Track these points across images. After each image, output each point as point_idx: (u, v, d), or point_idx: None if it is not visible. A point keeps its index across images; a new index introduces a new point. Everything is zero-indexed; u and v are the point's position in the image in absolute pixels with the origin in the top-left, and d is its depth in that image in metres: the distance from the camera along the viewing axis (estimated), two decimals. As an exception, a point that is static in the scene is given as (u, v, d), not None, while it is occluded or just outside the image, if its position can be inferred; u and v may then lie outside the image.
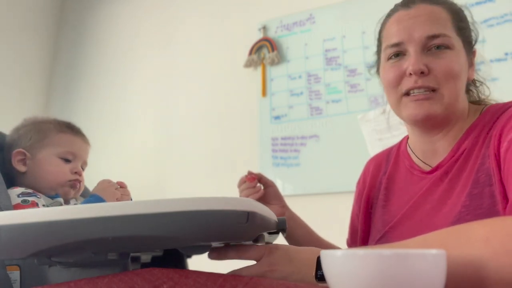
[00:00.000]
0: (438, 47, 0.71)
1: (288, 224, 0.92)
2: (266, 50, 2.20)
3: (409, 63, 0.72)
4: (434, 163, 0.77)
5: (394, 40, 0.74)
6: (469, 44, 0.77)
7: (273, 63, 2.16)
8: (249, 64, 2.21)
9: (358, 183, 0.95)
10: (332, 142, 1.94)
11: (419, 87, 0.72)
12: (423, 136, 0.79)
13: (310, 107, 2.05)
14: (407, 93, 0.74)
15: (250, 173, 0.93)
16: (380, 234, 0.79)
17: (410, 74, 0.72)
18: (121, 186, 0.88)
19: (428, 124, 0.75)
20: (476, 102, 0.81)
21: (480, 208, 0.65)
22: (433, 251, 0.37)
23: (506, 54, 1.69)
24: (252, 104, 2.19)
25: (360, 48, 2.00)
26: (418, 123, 0.75)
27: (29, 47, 2.78)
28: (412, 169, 0.81)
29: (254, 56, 2.21)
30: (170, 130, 2.38)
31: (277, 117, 2.12)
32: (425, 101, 0.72)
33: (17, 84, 2.66)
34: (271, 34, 2.22)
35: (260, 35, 2.24)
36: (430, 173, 0.77)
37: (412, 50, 0.72)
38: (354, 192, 0.96)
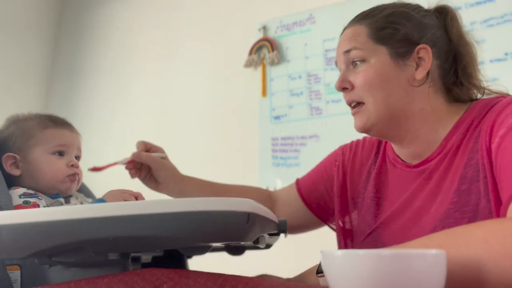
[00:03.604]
0: (355, 63, 0.77)
1: (182, 182, 0.95)
2: (266, 50, 2.20)
3: None
4: (418, 162, 0.77)
5: (335, 60, 0.84)
6: (406, 46, 0.75)
7: (273, 63, 2.16)
8: (249, 64, 2.21)
9: (344, 149, 0.95)
10: (332, 142, 1.92)
11: (348, 102, 0.79)
12: (395, 145, 0.82)
13: (310, 107, 2.05)
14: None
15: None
16: (370, 229, 0.79)
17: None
18: (137, 197, 0.82)
19: (375, 135, 0.80)
20: (464, 100, 0.78)
21: (467, 205, 0.65)
22: (433, 251, 0.37)
23: (506, 54, 1.69)
24: (252, 104, 2.19)
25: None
26: (363, 133, 0.80)
27: (29, 47, 2.78)
28: (395, 162, 0.81)
29: (254, 56, 2.21)
30: (170, 130, 2.39)
31: (277, 117, 2.12)
32: (355, 115, 0.78)
33: (17, 84, 2.66)
34: (271, 34, 2.22)
35: (260, 35, 2.24)
36: (415, 167, 0.77)
37: (341, 68, 0.80)
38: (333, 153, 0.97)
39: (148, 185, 0.95)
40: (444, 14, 0.80)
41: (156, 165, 0.92)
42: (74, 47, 2.90)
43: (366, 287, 0.36)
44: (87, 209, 0.46)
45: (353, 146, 0.93)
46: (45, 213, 0.47)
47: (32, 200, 0.75)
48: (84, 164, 0.91)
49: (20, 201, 0.74)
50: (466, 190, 0.66)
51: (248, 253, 0.85)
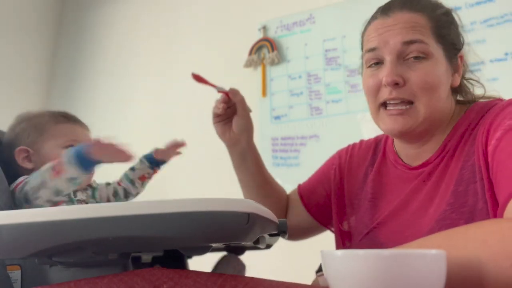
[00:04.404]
0: (416, 57, 0.69)
1: (251, 145, 0.93)
2: (266, 50, 2.19)
3: (384, 73, 0.70)
4: (418, 164, 0.77)
5: (371, 45, 0.73)
6: (453, 50, 0.73)
7: (273, 63, 2.16)
8: (249, 64, 2.21)
9: (341, 153, 0.95)
10: (332, 142, 1.94)
11: (393, 99, 0.70)
12: (405, 145, 0.79)
13: (310, 107, 2.05)
14: (384, 104, 0.73)
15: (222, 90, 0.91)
16: (367, 229, 0.79)
17: (385, 85, 0.70)
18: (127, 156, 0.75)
19: (406, 138, 0.75)
20: (464, 101, 0.79)
21: (464, 206, 0.65)
22: (433, 251, 0.37)
23: (506, 54, 1.68)
24: (252, 104, 2.17)
25: (360, 48, 2.00)
26: (395, 136, 0.77)
27: (29, 47, 2.78)
28: (396, 164, 0.81)
29: (254, 56, 2.20)
30: (170, 130, 2.38)
31: (277, 117, 2.12)
32: (399, 116, 0.70)
33: (17, 84, 2.66)
34: (271, 34, 2.22)
35: (260, 35, 2.24)
36: (415, 169, 0.77)
37: (388, 58, 0.70)
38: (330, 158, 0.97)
39: (219, 130, 0.94)
40: None
41: (243, 111, 0.92)
42: (74, 47, 2.90)
43: (366, 287, 0.36)
44: (87, 209, 0.46)
45: (350, 149, 0.94)
46: (45, 213, 0.47)
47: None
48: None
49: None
50: (463, 192, 0.66)
51: (248, 253, 0.85)
